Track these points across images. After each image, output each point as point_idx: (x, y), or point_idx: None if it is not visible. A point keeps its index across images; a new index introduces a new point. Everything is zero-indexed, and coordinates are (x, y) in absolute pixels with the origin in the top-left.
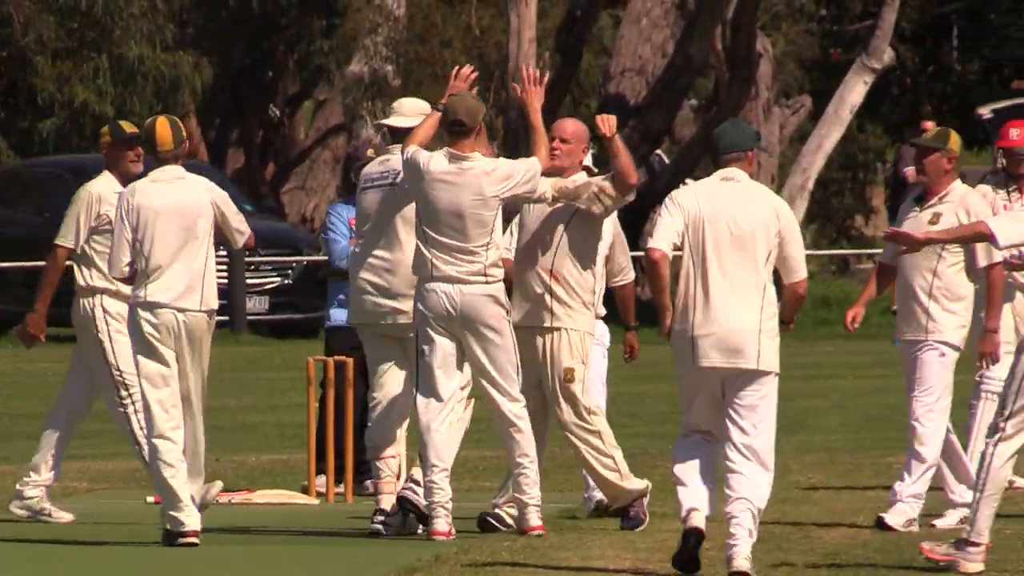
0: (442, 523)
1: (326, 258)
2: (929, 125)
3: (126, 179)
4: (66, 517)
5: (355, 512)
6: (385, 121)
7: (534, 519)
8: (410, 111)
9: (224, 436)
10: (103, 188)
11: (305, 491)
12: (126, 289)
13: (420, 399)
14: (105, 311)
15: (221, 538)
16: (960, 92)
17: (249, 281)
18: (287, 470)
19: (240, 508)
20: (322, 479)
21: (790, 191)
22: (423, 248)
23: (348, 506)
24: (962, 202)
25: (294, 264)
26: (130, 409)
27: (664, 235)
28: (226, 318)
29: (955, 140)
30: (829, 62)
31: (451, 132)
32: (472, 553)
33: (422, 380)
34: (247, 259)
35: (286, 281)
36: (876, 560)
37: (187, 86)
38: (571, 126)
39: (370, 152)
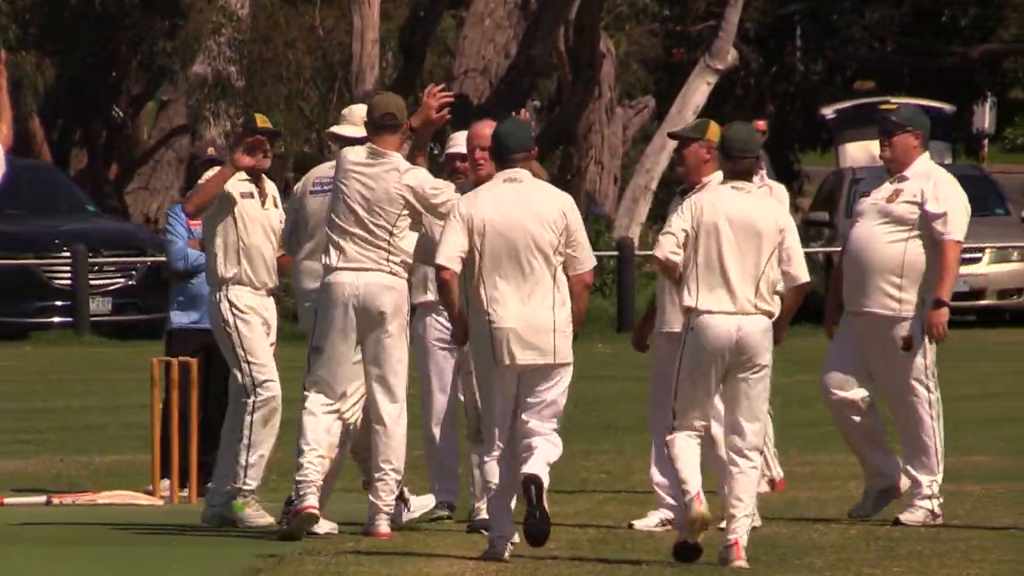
0: (312, 499)
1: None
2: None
3: (255, 172)
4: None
5: (199, 513)
6: (334, 129)
7: (383, 526)
8: (359, 119)
9: (69, 437)
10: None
11: (150, 492)
12: None
13: (308, 388)
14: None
15: (66, 539)
16: (803, 93)
17: (92, 282)
18: (132, 471)
19: (85, 509)
20: (167, 482)
21: (633, 192)
22: (330, 236)
23: (193, 507)
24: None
25: (138, 265)
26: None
27: (447, 252)
28: (70, 319)
29: (714, 131)
30: (672, 63)
31: (380, 126)
32: (317, 555)
33: (311, 368)
34: (91, 259)
35: (130, 282)
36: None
37: (29, 86)
38: (490, 130)
39: (211, 151)
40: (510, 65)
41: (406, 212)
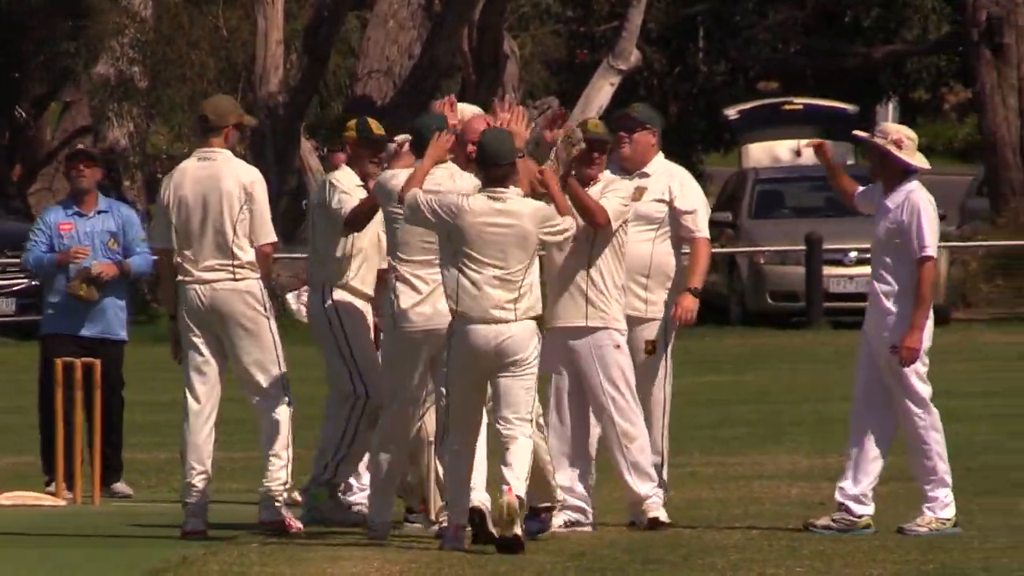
0: (197, 522)
1: None
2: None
3: (365, 179)
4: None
5: (103, 514)
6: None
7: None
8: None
9: None
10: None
11: (53, 493)
12: None
13: (187, 400)
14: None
15: None
16: (706, 93)
17: None
18: (37, 472)
19: None
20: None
21: None
22: (178, 246)
23: (96, 508)
24: (608, 183)
25: None
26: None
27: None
28: None
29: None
30: (576, 63)
31: (200, 129)
32: (221, 554)
33: (185, 380)
34: None
35: (33, 282)
36: (623, 560)
37: None
38: (482, 124)
39: (80, 145)
40: (414, 66)
41: (241, 212)
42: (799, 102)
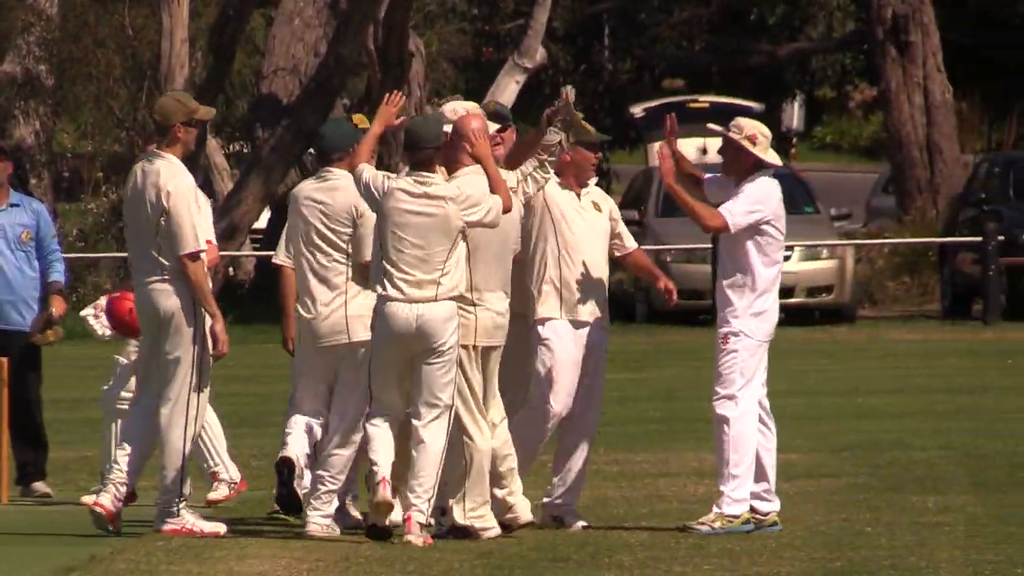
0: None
1: None
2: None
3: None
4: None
5: (13, 512)
6: None
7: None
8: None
9: None
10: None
11: None
12: None
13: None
14: None
15: None
16: (612, 91)
17: None
18: None
19: None
20: None
21: None
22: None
23: (3, 507)
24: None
25: None
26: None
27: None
28: None
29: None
30: (481, 61)
31: (154, 130)
32: (128, 553)
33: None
34: None
35: None
36: (532, 557)
37: None
38: (480, 122)
39: None
40: (320, 64)
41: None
42: (705, 100)
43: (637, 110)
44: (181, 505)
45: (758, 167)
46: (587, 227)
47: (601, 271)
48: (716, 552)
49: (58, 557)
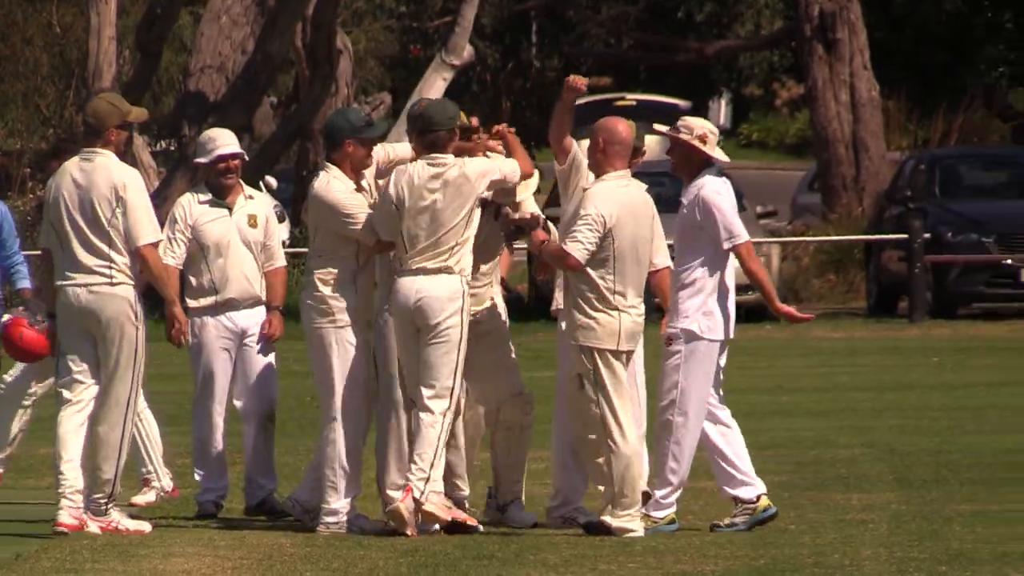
0: (65, 515)
1: None
2: (475, 121)
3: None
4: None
5: None
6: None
7: (65, 517)
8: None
9: None
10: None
11: None
12: None
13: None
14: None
15: None
16: (539, 89)
17: None
18: None
19: None
20: None
21: None
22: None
23: None
24: None
25: None
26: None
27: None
28: None
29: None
30: (409, 59)
31: (85, 132)
32: (53, 551)
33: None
34: None
35: None
36: (456, 555)
37: None
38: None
39: None
40: (247, 62)
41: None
42: (632, 98)
43: None
44: (110, 504)
45: (707, 165)
46: None
47: None
48: (641, 551)
49: None
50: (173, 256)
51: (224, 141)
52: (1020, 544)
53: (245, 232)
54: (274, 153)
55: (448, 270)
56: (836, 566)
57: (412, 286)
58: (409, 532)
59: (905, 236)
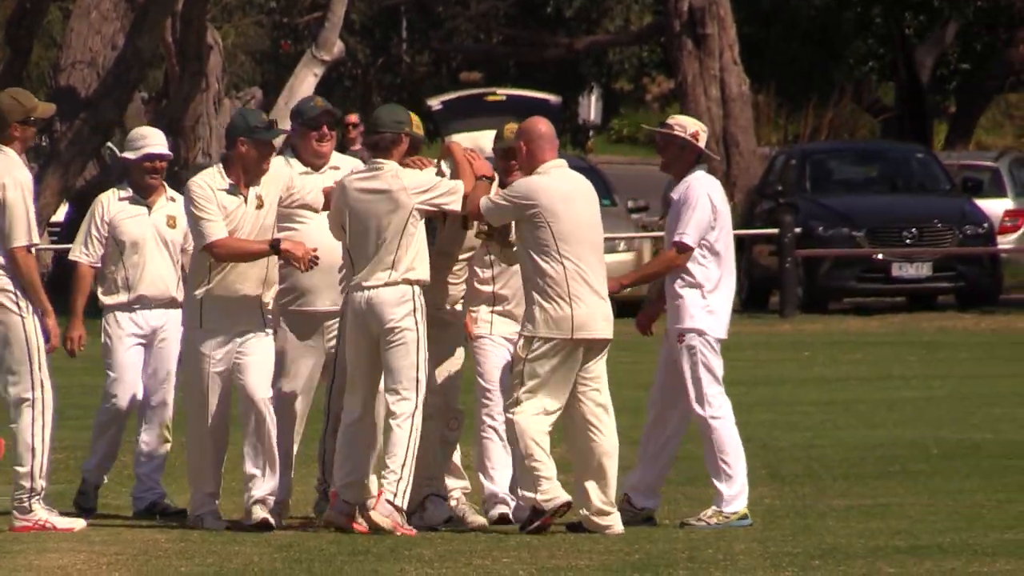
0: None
1: None
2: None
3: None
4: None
5: None
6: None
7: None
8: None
9: None
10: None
11: None
12: None
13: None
14: None
15: None
16: (410, 84)
17: None
18: None
19: None
20: None
21: None
22: None
23: None
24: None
25: None
26: None
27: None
28: None
29: (417, 124)
30: (280, 54)
31: None
32: None
33: None
34: None
35: None
36: (332, 551)
37: None
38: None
39: None
40: (117, 57)
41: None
42: (502, 93)
43: (434, 103)
44: (33, 501)
45: (698, 161)
46: None
47: None
48: (515, 545)
49: None
50: (86, 255)
51: (154, 141)
52: (892, 538)
53: (163, 232)
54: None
55: (393, 282)
56: (710, 561)
57: (362, 297)
58: (399, 531)
59: (776, 231)
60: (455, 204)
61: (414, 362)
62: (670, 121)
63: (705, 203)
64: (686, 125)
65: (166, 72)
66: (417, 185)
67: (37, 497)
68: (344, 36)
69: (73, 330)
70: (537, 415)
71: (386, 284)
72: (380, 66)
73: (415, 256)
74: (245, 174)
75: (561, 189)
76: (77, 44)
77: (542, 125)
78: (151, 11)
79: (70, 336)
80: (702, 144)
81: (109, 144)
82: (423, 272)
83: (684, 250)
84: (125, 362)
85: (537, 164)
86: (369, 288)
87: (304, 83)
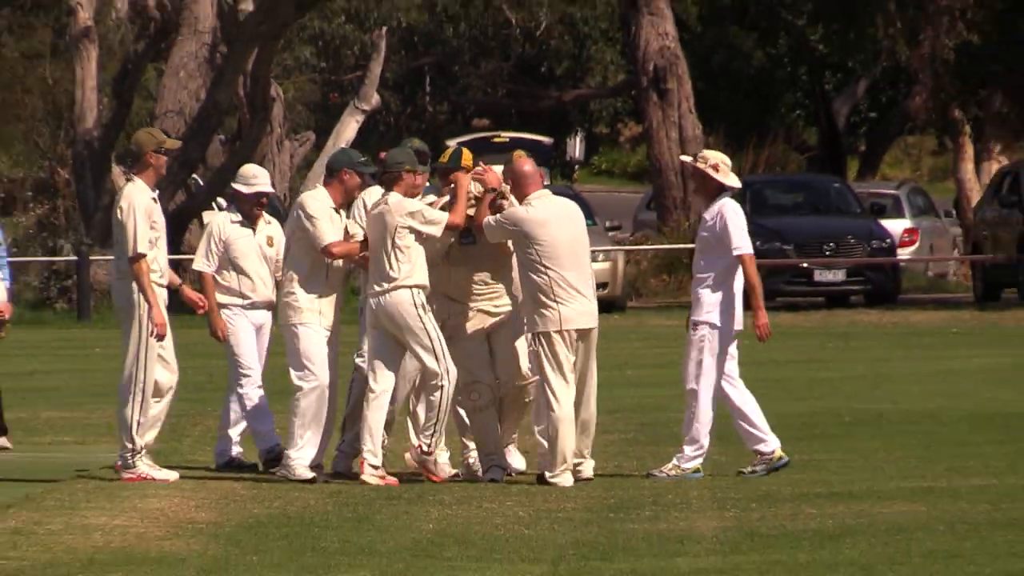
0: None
1: None
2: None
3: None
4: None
5: None
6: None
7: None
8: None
9: None
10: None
11: None
12: None
13: None
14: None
15: None
16: (432, 129)
17: None
18: None
19: None
20: None
21: None
22: None
23: None
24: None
25: None
26: None
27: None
28: None
29: (468, 157)
30: (328, 105)
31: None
32: (55, 493)
33: None
34: None
35: None
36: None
37: None
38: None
39: None
40: (200, 107)
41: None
42: (506, 135)
43: (452, 143)
44: (136, 458)
45: (722, 189)
46: None
47: None
48: (516, 492)
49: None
50: (207, 265)
51: (263, 181)
52: (813, 487)
53: (264, 249)
54: (224, 180)
55: (395, 287)
56: (670, 504)
57: (371, 302)
58: (433, 478)
59: None
60: (434, 231)
61: (428, 343)
62: (701, 154)
63: (739, 219)
64: (708, 158)
65: (239, 119)
66: (400, 209)
67: (139, 455)
68: (380, 90)
69: (216, 323)
70: (567, 400)
71: (390, 289)
72: (409, 114)
73: (411, 264)
74: (345, 197)
75: (538, 217)
76: (168, 97)
77: (526, 166)
78: (227, 70)
79: (218, 327)
80: (723, 175)
81: (194, 175)
82: (421, 278)
83: (752, 256)
84: (244, 351)
85: (524, 196)
86: (375, 294)
87: (348, 128)
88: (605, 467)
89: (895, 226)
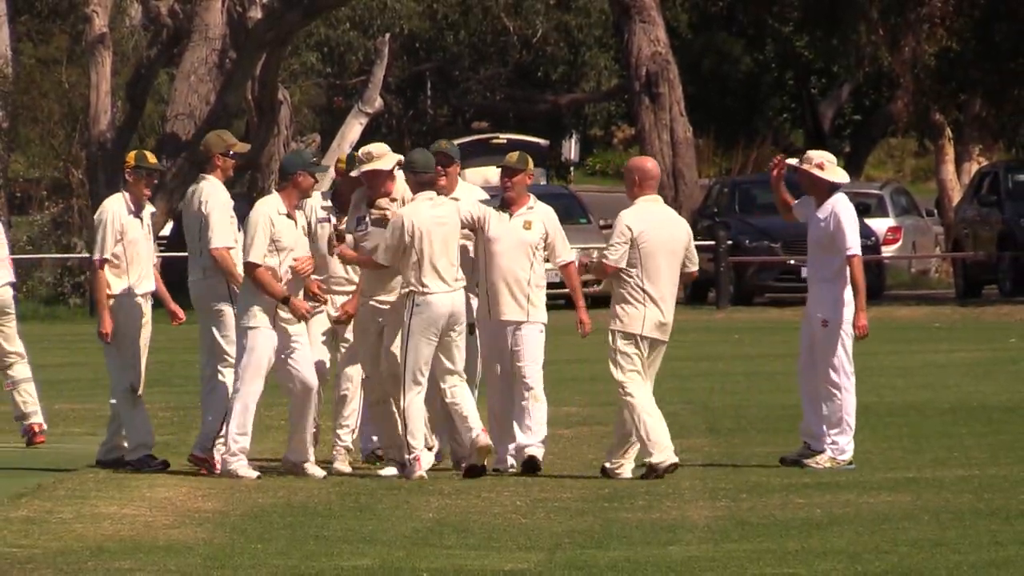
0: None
1: None
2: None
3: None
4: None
5: None
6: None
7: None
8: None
9: None
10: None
11: None
12: None
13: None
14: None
15: None
16: (433, 131)
17: None
18: None
19: None
20: None
21: None
22: None
23: None
24: (545, 213)
25: None
26: None
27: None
28: None
29: (530, 162)
30: (333, 108)
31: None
32: (67, 483)
33: None
34: None
35: None
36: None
37: None
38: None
39: None
40: (210, 110)
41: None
42: (504, 137)
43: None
44: (216, 443)
45: (832, 186)
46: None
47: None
48: (513, 483)
49: (13, 485)
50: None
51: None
52: (801, 477)
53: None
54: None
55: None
56: (663, 494)
57: (446, 299)
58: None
59: (713, 243)
60: (377, 256)
61: (405, 349)
62: (805, 155)
63: (851, 219)
64: (812, 158)
65: (247, 121)
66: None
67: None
68: (383, 94)
69: (298, 305)
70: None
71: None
72: (411, 117)
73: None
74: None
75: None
76: (179, 100)
77: (650, 164)
78: (236, 75)
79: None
80: (829, 172)
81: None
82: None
83: (860, 257)
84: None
85: (639, 195)
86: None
87: (352, 130)
88: (599, 457)
89: (879, 225)
